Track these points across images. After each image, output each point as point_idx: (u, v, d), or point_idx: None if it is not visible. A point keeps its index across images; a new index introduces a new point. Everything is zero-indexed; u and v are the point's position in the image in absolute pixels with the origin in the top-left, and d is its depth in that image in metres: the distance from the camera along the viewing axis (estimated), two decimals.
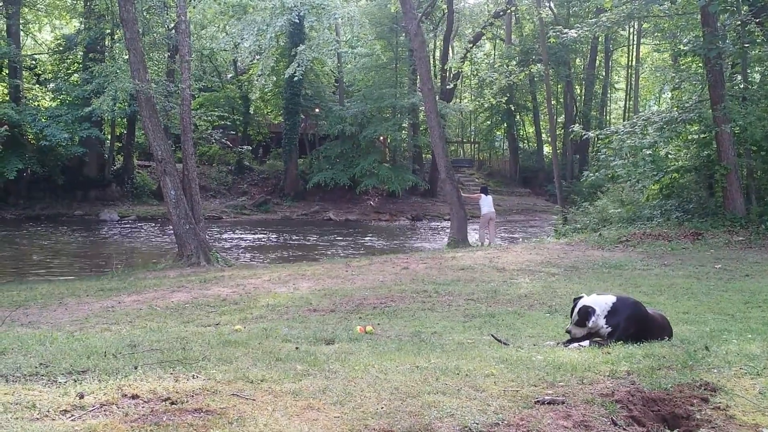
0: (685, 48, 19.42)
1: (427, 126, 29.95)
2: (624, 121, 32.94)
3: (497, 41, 50.71)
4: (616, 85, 50.55)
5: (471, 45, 42.57)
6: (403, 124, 39.77)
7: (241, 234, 27.83)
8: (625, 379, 4.51)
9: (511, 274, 12.16)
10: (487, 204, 20.66)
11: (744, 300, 8.98)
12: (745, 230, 16.35)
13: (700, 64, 19.45)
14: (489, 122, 50.43)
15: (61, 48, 35.76)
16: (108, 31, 31.46)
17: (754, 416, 3.92)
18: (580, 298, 5.83)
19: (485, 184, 21.39)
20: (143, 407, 3.78)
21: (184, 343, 5.78)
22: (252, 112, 42.92)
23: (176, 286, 12.19)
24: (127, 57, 18.09)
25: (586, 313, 5.69)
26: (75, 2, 35.33)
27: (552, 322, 7.69)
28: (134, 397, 3.94)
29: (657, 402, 4.16)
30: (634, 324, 5.72)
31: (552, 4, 40.53)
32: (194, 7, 22.46)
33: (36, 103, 34.48)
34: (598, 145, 26.86)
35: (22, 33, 35.30)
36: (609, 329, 5.69)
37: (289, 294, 10.75)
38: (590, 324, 5.69)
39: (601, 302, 5.75)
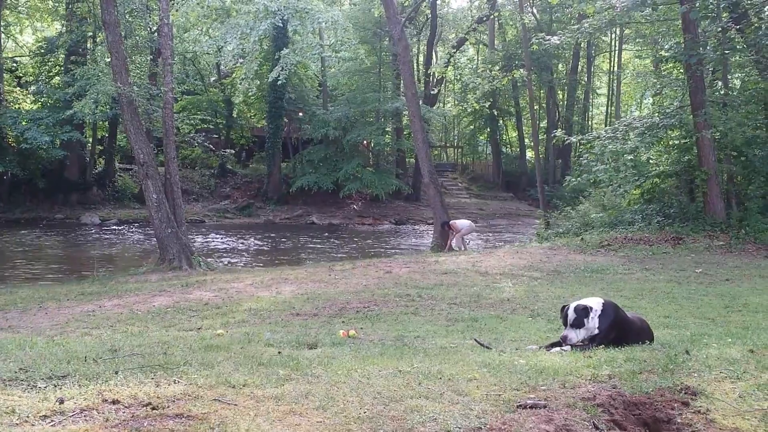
0: (666, 54, 19.61)
1: (410, 130, 29.99)
2: (606, 126, 33.17)
3: (480, 46, 50.91)
4: (598, 91, 50.90)
5: (454, 50, 42.77)
6: (387, 129, 39.80)
7: (223, 238, 27.72)
8: (607, 383, 4.53)
9: (494, 278, 12.19)
10: (462, 222, 20.06)
11: (724, 304, 9.05)
12: (725, 235, 16.49)
13: (681, 70, 19.62)
14: (472, 127, 50.60)
15: (42, 50, 35.46)
16: (90, 33, 31.26)
17: (734, 420, 3.95)
18: (567, 305, 5.80)
19: (445, 220, 20.48)
20: (124, 412, 3.75)
21: (165, 348, 5.75)
22: (235, 116, 42.78)
23: (158, 290, 12.12)
24: (109, 60, 17.97)
25: (585, 311, 5.62)
26: (57, 5, 35.07)
27: (534, 326, 7.72)
28: (115, 402, 3.90)
29: (638, 406, 4.18)
30: (615, 328, 5.73)
31: (535, 10, 40.79)
32: (177, 10, 22.39)
33: (17, 106, 34.14)
34: (581, 150, 27.00)
35: (3, 35, 34.96)
36: (596, 332, 5.67)
37: (271, 298, 10.72)
38: (588, 324, 5.62)
39: (593, 302, 5.73)
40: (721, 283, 11.33)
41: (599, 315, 5.66)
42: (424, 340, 6.68)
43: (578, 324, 5.63)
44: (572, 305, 5.69)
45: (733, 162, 18.21)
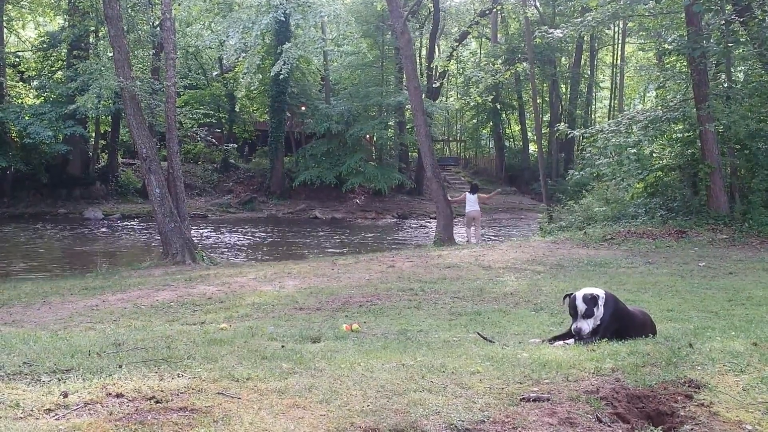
0: (669, 47, 19.53)
1: (413, 124, 29.98)
2: (609, 119, 33.10)
3: (483, 40, 50.85)
4: (601, 84, 50.84)
5: (457, 43, 42.62)
6: (390, 123, 39.79)
7: (226, 232, 27.74)
8: (610, 376, 4.52)
9: (497, 272, 12.18)
10: (469, 203, 20.65)
11: (728, 297, 9.04)
12: (728, 228, 16.46)
13: (685, 63, 19.57)
14: (475, 121, 50.56)
15: (45, 45, 35.45)
16: (92, 28, 31.25)
17: (738, 413, 3.95)
18: (571, 294, 5.78)
19: (474, 182, 21.44)
20: (128, 406, 3.76)
21: (169, 342, 5.75)
22: (238, 110, 42.77)
23: (161, 284, 12.14)
24: (111, 54, 17.99)
25: (594, 300, 5.55)
26: None
27: (537, 320, 7.72)
28: (119, 395, 3.91)
29: (641, 399, 4.18)
30: (617, 320, 5.71)
31: (538, 3, 40.75)
32: (179, 5, 22.39)
33: (19, 101, 34.21)
34: (584, 143, 26.98)
35: (5, 30, 34.95)
36: (599, 322, 5.63)
37: (275, 292, 10.72)
38: (597, 312, 5.56)
39: (598, 291, 5.67)
40: (724, 277, 11.32)
41: (603, 304, 5.63)
42: (427, 334, 6.68)
43: (589, 314, 5.58)
44: (579, 295, 5.60)
45: (736, 155, 18.16)
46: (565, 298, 5.84)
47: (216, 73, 43.90)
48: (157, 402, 3.81)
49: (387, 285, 10.93)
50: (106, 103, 28.43)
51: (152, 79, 26.18)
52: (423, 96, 25.41)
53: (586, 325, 5.59)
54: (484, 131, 52.38)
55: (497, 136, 49.10)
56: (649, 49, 33.08)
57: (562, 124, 23.85)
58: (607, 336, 5.58)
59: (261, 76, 34.59)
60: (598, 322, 5.61)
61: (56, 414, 3.62)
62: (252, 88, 32.89)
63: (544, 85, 44.31)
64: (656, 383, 4.36)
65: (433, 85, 37.79)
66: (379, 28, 37.77)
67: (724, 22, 17.47)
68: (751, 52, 18.27)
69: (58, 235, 26.06)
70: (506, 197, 42.79)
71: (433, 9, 40.91)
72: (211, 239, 25.17)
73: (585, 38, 40.12)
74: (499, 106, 45.55)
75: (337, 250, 22.08)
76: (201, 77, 42.32)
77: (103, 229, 28.46)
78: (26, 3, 35.21)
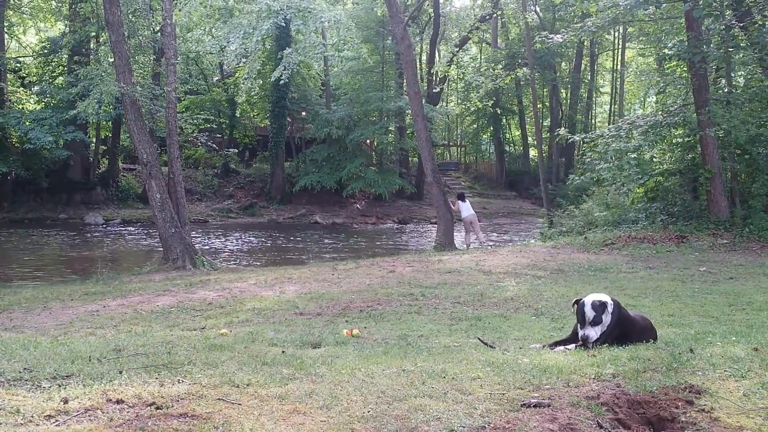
0: (669, 52, 19.55)
1: (413, 129, 29.99)
2: (609, 124, 33.15)
3: (483, 45, 50.91)
4: (602, 89, 50.90)
5: (457, 49, 42.79)
6: (390, 128, 39.81)
7: (227, 237, 27.73)
8: (611, 381, 4.52)
9: (498, 277, 12.17)
10: (464, 209, 20.72)
11: (728, 303, 9.02)
12: (729, 233, 16.46)
13: (685, 68, 19.59)
14: (475, 125, 50.60)
15: (45, 51, 35.52)
16: (93, 33, 31.29)
17: (738, 418, 3.95)
18: (581, 299, 5.72)
19: (461, 191, 21.70)
20: (128, 412, 3.76)
21: (169, 348, 5.75)
22: (238, 115, 42.81)
23: (162, 290, 12.13)
24: (112, 60, 18.00)
25: (603, 306, 5.52)
26: (60, 5, 35.14)
27: (538, 325, 7.71)
28: (119, 401, 3.91)
29: (642, 404, 4.17)
30: (618, 325, 5.70)
31: (538, 9, 40.79)
32: (180, 10, 22.38)
33: (20, 106, 34.24)
34: (584, 148, 26.98)
35: (6, 36, 35.01)
36: (605, 329, 5.60)
37: (275, 297, 10.71)
38: (605, 320, 5.52)
39: (605, 297, 5.64)
40: (725, 282, 11.30)
41: (611, 312, 5.60)
42: (427, 339, 6.67)
43: (597, 321, 5.54)
44: (588, 301, 5.56)
45: (736, 160, 18.16)
46: (574, 304, 5.81)
47: (216, 78, 43.97)
48: (157, 408, 3.81)
49: (387, 290, 10.92)
50: (107, 109, 28.39)
51: (153, 84, 26.20)
52: (423, 101, 25.44)
53: (594, 333, 5.56)
54: (484, 136, 52.42)
55: (497, 141, 49.13)
56: (650, 54, 33.12)
57: (563, 128, 23.90)
58: (608, 341, 5.57)
59: (261, 82, 34.61)
60: (605, 329, 5.59)
61: (56, 420, 3.62)
62: (252, 93, 32.92)
63: (545, 90, 44.39)
64: (657, 389, 4.36)
65: (434, 90, 37.90)
66: (379, 33, 37.81)
67: (724, 27, 17.49)
68: (751, 57, 18.29)
69: (59, 240, 26.06)
70: (507, 202, 42.83)
71: (433, 14, 40.98)
72: (211, 244, 25.16)
73: (585, 43, 40.22)
74: (499, 111, 45.66)
75: (338, 255, 22.07)
76: (202, 82, 42.37)
77: (104, 235, 28.45)
78: (27, 9, 35.30)
